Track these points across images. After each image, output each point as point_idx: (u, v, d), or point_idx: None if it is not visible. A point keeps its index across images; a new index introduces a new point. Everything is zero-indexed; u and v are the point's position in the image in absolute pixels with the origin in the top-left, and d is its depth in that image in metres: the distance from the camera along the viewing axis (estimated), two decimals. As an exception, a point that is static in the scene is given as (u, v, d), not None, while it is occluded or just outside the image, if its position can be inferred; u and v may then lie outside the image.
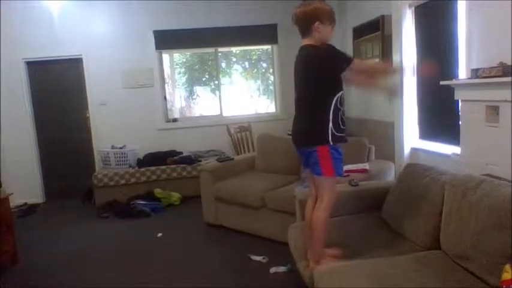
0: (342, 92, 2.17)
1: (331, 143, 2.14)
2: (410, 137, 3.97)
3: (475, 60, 2.89)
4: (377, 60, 4.31)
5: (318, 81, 2.17)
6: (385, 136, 4.30)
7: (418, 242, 2.15)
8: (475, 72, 2.72)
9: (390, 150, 4.13)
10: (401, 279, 1.75)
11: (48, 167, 5.71)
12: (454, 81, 3.00)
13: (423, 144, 3.84)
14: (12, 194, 3.77)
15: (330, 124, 2.12)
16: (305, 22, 2.18)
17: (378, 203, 2.67)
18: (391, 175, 3.48)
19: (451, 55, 3.28)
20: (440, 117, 3.63)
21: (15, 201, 4.79)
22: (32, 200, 5.46)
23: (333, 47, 2.14)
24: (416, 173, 2.46)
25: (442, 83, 3.09)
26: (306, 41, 2.22)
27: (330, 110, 2.13)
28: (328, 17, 2.18)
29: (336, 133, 2.14)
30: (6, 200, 3.55)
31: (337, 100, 2.14)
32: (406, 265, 1.87)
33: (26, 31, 5.36)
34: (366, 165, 3.29)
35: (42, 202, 5.61)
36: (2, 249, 3.38)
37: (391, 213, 2.49)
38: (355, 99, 5.15)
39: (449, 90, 3.08)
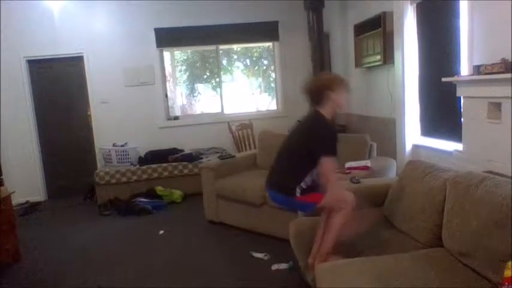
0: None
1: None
2: (412, 134, 3.96)
3: (477, 56, 2.87)
4: (378, 57, 4.30)
5: (306, 148, 2.27)
6: (386, 133, 4.29)
7: (420, 240, 2.15)
8: (477, 69, 2.71)
9: (392, 147, 4.12)
10: (403, 277, 1.74)
11: (50, 165, 5.72)
12: (456, 78, 2.99)
13: (425, 141, 3.83)
14: (14, 192, 3.78)
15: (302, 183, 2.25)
16: (316, 92, 2.30)
17: (380, 200, 2.67)
18: (393, 172, 3.47)
19: (453, 52, 3.27)
20: (442, 114, 3.62)
21: (17, 199, 4.80)
22: (33, 198, 5.47)
23: (334, 136, 2.25)
24: (418, 170, 2.46)
25: (444, 79, 3.08)
26: (318, 108, 2.32)
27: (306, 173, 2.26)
28: (340, 86, 2.29)
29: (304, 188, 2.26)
30: (8, 198, 3.56)
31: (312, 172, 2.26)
32: (408, 262, 1.87)
33: (27, 30, 5.36)
34: (367, 162, 3.29)
35: (44, 200, 5.62)
36: (4, 247, 3.39)
37: (393, 211, 2.49)
38: (356, 97, 5.14)
39: (451, 87, 3.07)
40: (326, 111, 2.28)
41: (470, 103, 2.91)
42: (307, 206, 2.32)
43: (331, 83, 2.28)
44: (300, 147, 2.31)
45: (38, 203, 5.40)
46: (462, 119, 3.04)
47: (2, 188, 3.61)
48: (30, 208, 5.19)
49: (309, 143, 2.25)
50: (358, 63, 4.86)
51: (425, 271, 1.78)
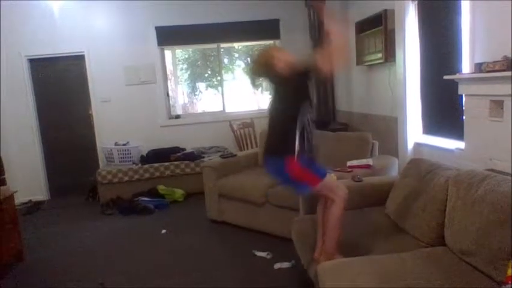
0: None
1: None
2: (414, 132, 3.95)
3: (478, 54, 2.87)
4: (379, 54, 4.29)
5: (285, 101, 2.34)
6: (388, 131, 4.29)
7: (422, 238, 2.15)
8: (479, 67, 2.71)
9: (394, 146, 4.12)
10: (405, 276, 1.74)
11: (52, 164, 5.74)
12: (457, 76, 2.99)
13: (427, 139, 3.83)
14: (16, 191, 3.79)
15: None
16: (266, 71, 2.37)
17: (382, 199, 2.67)
18: (394, 170, 3.47)
19: (455, 49, 3.26)
20: (443, 112, 3.61)
21: (19, 198, 4.82)
22: (36, 198, 5.49)
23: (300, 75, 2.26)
24: (420, 168, 2.46)
25: (445, 77, 3.07)
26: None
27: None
28: (274, 49, 2.48)
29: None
30: (11, 197, 3.57)
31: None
32: (410, 261, 1.87)
33: (28, 29, 5.37)
34: (369, 161, 3.29)
35: (47, 199, 5.65)
36: (7, 246, 3.40)
37: (395, 209, 2.49)
38: (357, 95, 5.13)
39: (453, 85, 3.06)
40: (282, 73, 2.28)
41: (472, 101, 2.91)
42: (301, 186, 2.25)
43: (268, 54, 2.34)
44: (280, 105, 2.33)
45: (40, 202, 5.42)
46: (464, 117, 3.03)
47: (5, 187, 3.63)
48: (33, 207, 5.21)
49: (283, 97, 2.29)
50: (359, 61, 4.85)
51: (428, 270, 1.78)
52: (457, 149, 3.20)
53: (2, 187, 3.54)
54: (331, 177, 2.32)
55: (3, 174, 4.20)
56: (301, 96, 2.22)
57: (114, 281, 3.03)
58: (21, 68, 5.44)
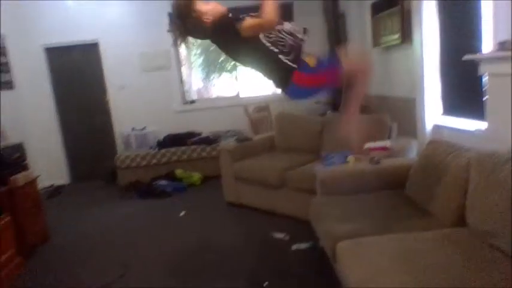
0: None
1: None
2: (433, 113, 3.89)
3: (501, 32, 2.79)
4: (396, 35, 4.21)
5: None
6: (406, 113, 4.23)
7: (443, 220, 2.14)
8: (502, 45, 2.64)
9: (412, 127, 4.07)
10: (426, 256, 1.75)
11: (72, 149, 5.87)
12: (479, 55, 2.92)
13: (446, 120, 3.77)
14: (39, 176, 3.90)
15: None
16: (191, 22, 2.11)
17: (401, 181, 2.66)
18: (413, 152, 3.44)
19: (475, 28, 3.18)
20: (464, 92, 3.54)
21: (42, 183, 4.94)
22: (58, 182, 5.63)
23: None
24: (440, 149, 2.44)
25: (465, 57, 3.01)
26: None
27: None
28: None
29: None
30: (34, 182, 3.67)
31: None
32: (431, 242, 1.87)
33: (44, 18, 5.43)
34: (387, 143, 3.26)
35: (68, 183, 5.78)
36: (33, 228, 3.52)
37: (415, 191, 2.48)
38: (375, 77, 5.06)
39: (473, 65, 2.99)
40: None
41: (494, 81, 2.84)
42: (328, 85, 2.22)
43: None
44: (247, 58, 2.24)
45: (62, 186, 5.56)
46: (485, 97, 2.97)
47: (27, 172, 3.72)
48: (55, 191, 5.35)
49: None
50: (376, 43, 4.77)
51: (450, 250, 1.78)
52: (477, 130, 3.15)
53: (24, 172, 3.63)
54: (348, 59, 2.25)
55: (26, 160, 4.31)
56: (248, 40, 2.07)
57: (134, 263, 3.11)
58: (39, 57, 5.52)
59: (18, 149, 3.90)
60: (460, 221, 2.05)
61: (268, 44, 2.11)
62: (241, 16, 2.10)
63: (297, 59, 2.12)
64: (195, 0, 2.08)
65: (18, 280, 3.00)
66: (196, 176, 5.12)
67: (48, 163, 5.58)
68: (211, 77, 6.47)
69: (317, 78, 2.15)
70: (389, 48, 4.61)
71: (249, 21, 2.06)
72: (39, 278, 3.04)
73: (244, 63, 2.41)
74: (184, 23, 2.12)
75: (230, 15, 2.15)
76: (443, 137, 3.57)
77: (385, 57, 4.79)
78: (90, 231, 3.90)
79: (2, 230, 3.00)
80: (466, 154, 2.18)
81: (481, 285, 1.51)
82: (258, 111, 5.68)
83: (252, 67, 2.32)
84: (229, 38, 2.14)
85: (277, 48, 2.12)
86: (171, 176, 5.08)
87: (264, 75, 2.28)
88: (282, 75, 2.16)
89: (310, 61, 2.14)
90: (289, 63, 2.09)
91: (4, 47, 5.15)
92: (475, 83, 3.19)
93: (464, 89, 3.51)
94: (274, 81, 2.30)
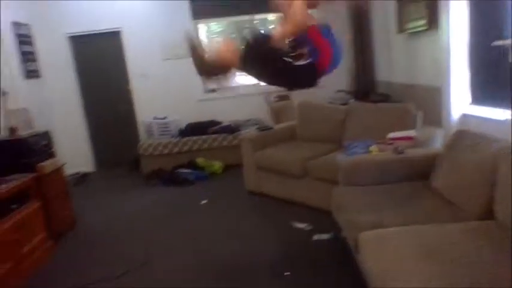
0: None
1: None
2: (459, 102, 3.78)
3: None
4: (423, 21, 4.08)
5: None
6: (432, 102, 4.12)
7: (470, 212, 2.08)
8: (536, 31, 2.52)
9: (438, 117, 3.97)
10: (453, 248, 1.71)
11: (97, 137, 5.99)
12: (509, 41, 2.80)
13: (472, 109, 3.65)
14: (65, 163, 4.00)
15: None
16: None
17: (425, 172, 2.60)
18: (438, 142, 3.36)
19: (506, 13, 3.04)
20: (493, 80, 3.41)
21: (68, 170, 5.07)
22: (83, 169, 5.77)
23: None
24: (467, 140, 2.37)
25: (495, 43, 2.89)
26: None
27: None
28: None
29: None
30: (61, 169, 3.78)
31: None
32: (457, 234, 1.83)
33: (67, 7, 5.51)
34: (412, 133, 3.20)
35: (93, 171, 5.93)
36: (61, 214, 3.63)
37: (440, 182, 2.42)
38: (399, 64, 4.94)
39: (504, 51, 2.88)
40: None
41: (526, 68, 2.73)
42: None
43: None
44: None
45: (87, 174, 5.70)
46: (517, 85, 2.86)
47: (54, 159, 3.83)
48: (81, 178, 5.49)
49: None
50: (400, 29, 4.64)
51: (477, 243, 1.73)
52: (507, 119, 3.04)
53: (51, 159, 3.74)
54: None
55: (52, 147, 4.43)
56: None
57: (159, 246, 3.18)
58: (63, 45, 5.62)
59: (45, 137, 3.99)
60: (488, 213, 1.99)
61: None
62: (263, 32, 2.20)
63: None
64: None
65: (50, 263, 3.12)
66: (217, 165, 5.16)
67: (73, 151, 5.70)
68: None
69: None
70: (414, 34, 4.47)
71: (281, 30, 2.14)
72: (67, 262, 3.15)
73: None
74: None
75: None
76: (471, 126, 3.46)
77: (410, 43, 4.65)
78: (116, 218, 4.00)
79: (32, 215, 3.11)
80: (494, 145, 2.12)
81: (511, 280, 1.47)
82: (279, 100, 5.65)
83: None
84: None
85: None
86: (192, 165, 5.13)
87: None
88: (296, 79, 2.29)
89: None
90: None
91: (31, 36, 5.26)
92: (505, 70, 3.07)
93: (493, 77, 3.38)
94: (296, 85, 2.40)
